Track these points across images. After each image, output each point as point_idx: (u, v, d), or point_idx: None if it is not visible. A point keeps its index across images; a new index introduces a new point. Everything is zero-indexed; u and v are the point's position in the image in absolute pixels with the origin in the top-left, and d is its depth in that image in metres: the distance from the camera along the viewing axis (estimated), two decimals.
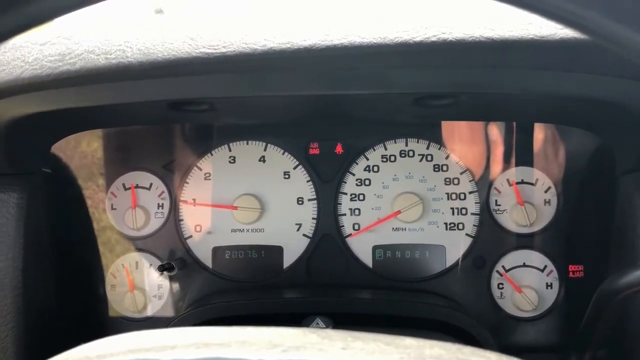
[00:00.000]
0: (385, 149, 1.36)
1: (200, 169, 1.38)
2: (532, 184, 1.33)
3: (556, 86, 0.89)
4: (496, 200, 1.34)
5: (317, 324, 1.05)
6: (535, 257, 1.33)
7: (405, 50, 0.80)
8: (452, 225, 1.34)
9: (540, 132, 1.33)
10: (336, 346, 0.58)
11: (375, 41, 0.80)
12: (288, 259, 1.37)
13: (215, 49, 0.83)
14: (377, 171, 1.36)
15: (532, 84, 0.89)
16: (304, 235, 1.37)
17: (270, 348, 0.57)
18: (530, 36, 0.80)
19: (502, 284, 1.33)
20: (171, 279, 1.38)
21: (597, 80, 0.86)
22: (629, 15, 0.46)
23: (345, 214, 1.37)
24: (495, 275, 1.33)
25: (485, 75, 0.87)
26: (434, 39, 0.79)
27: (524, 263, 1.33)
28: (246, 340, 0.60)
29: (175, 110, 1.06)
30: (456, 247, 1.34)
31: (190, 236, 1.38)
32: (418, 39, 0.80)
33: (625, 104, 0.93)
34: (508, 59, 0.83)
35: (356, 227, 1.36)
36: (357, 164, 1.37)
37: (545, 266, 1.32)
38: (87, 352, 0.60)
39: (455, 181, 1.34)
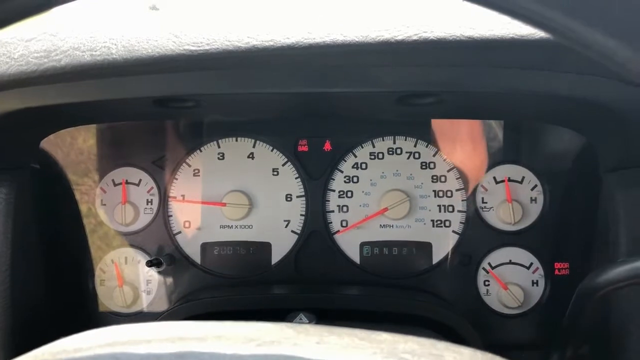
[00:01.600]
0: (373, 147, 1.37)
1: (189, 165, 1.39)
2: (518, 181, 1.34)
3: (537, 85, 0.90)
4: (483, 198, 1.35)
5: (300, 319, 1.06)
6: (522, 255, 1.34)
7: (387, 49, 0.81)
8: (439, 222, 1.35)
9: (527, 130, 1.34)
10: (311, 341, 0.58)
11: (356, 39, 0.80)
12: (276, 255, 1.37)
13: (199, 47, 0.83)
14: (365, 168, 1.37)
15: (513, 83, 0.90)
16: (292, 231, 1.37)
17: (245, 342, 0.58)
18: (511, 35, 0.80)
19: (488, 281, 1.34)
20: (160, 274, 1.38)
21: (579, 80, 0.87)
22: (596, 17, 0.47)
23: (333, 211, 1.37)
24: (481, 272, 1.34)
25: (466, 74, 0.87)
26: (415, 37, 0.80)
27: (510, 260, 1.34)
28: (222, 334, 0.61)
29: (161, 107, 1.07)
30: (443, 244, 1.35)
31: (179, 232, 1.39)
32: (399, 37, 0.80)
33: (607, 104, 0.94)
34: (488, 58, 0.84)
35: (344, 224, 1.37)
36: (345, 161, 1.37)
37: (531, 263, 1.33)
38: (65, 345, 0.61)
39: (443, 179, 1.35)
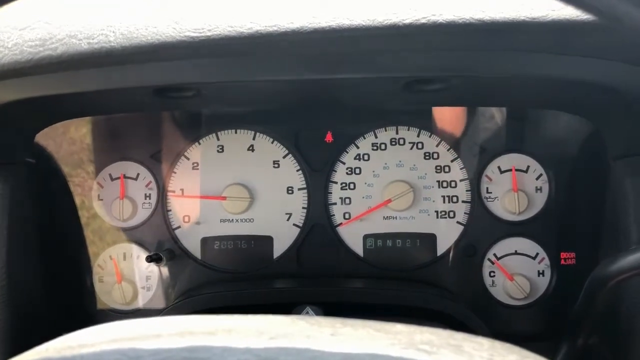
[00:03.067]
0: (376, 137, 1.35)
1: (188, 159, 1.36)
2: (523, 171, 1.32)
3: (548, 69, 0.88)
4: (487, 188, 1.33)
5: (307, 312, 1.04)
6: (527, 245, 1.32)
7: (394, 33, 0.78)
8: (443, 213, 1.33)
9: (531, 119, 1.33)
10: (325, 332, 0.56)
11: (363, 23, 0.78)
12: (278, 249, 1.35)
13: (200, 33, 0.80)
14: (368, 160, 1.35)
15: (524, 67, 0.87)
16: (294, 225, 1.35)
17: (257, 336, 0.56)
18: (522, 18, 0.78)
19: (494, 272, 1.32)
20: (160, 270, 1.36)
21: (590, 64, 0.85)
22: None
23: (335, 203, 1.35)
24: (486, 263, 1.33)
25: (476, 58, 0.85)
26: (423, 21, 0.78)
27: (516, 251, 1.32)
28: (232, 328, 0.59)
29: (161, 97, 1.04)
30: (447, 235, 1.33)
31: (179, 227, 1.36)
32: (407, 21, 0.78)
33: (617, 88, 0.92)
34: (499, 42, 0.81)
35: (347, 216, 1.35)
36: (347, 152, 1.35)
37: (537, 254, 1.32)
38: (70, 341, 0.58)
39: (446, 169, 1.33)
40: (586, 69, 0.87)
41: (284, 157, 1.36)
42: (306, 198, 1.35)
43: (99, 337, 0.58)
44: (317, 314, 1.04)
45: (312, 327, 0.58)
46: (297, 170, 1.35)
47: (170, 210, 1.36)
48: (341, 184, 1.35)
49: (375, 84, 1.03)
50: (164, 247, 1.36)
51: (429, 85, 1.00)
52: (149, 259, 1.30)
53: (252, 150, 1.36)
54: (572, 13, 0.77)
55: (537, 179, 1.32)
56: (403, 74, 0.93)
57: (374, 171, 1.35)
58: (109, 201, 1.36)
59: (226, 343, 0.54)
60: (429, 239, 1.33)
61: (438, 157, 1.34)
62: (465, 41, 0.81)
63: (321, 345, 0.52)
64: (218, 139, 1.36)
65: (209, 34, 0.80)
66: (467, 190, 1.33)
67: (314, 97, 1.22)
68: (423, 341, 0.56)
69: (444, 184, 1.33)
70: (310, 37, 0.79)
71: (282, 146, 1.36)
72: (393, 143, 1.34)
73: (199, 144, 1.36)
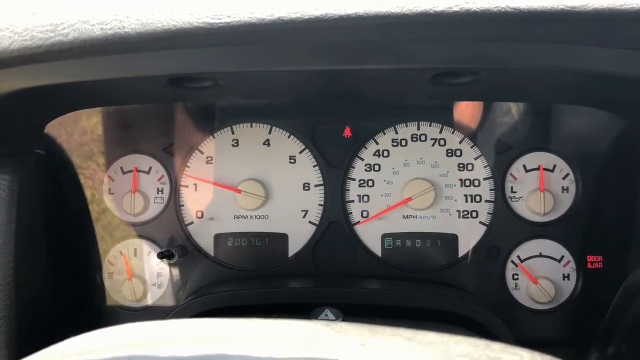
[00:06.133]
0: (396, 133, 1.31)
1: (202, 153, 1.33)
2: (550, 170, 1.27)
3: (586, 62, 0.83)
4: (512, 187, 1.28)
5: (327, 315, 1.00)
6: (552, 247, 1.28)
7: (425, 20, 0.74)
8: (466, 213, 1.29)
9: (559, 115, 1.28)
10: (353, 342, 0.52)
11: (392, 10, 0.73)
12: (293, 247, 1.32)
13: (219, 19, 0.76)
14: (387, 156, 1.31)
15: (561, 60, 0.82)
16: (310, 222, 1.31)
17: (278, 344, 0.52)
18: (561, 6, 0.73)
19: (517, 274, 1.28)
20: (171, 266, 1.33)
21: (631, 57, 0.80)
22: None
23: (353, 201, 1.31)
24: (509, 265, 1.28)
25: (510, 49, 0.80)
26: (456, 8, 0.73)
27: (540, 253, 1.28)
28: (252, 334, 0.54)
29: (176, 87, 1.00)
30: (469, 236, 1.29)
31: (191, 222, 1.33)
32: (439, 8, 0.73)
33: None
34: (535, 32, 0.77)
35: (365, 214, 1.31)
36: (366, 148, 1.31)
37: (563, 256, 1.27)
38: (77, 345, 0.54)
39: (469, 167, 1.29)
40: (627, 62, 0.82)
41: (301, 152, 1.32)
42: (323, 195, 1.31)
43: (109, 342, 0.54)
44: (337, 316, 1.00)
45: (339, 334, 0.54)
46: (314, 166, 1.31)
47: (182, 206, 1.33)
48: (359, 180, 1.31)
49: (401, 76, 0.98)
50: (175, 243, 1.32)
51: (458, 79, 0.95)
52: (161, 256, 1.26)
53: (268, 144, 1.32)
54: (615, 1, 0.72)
55: (563, 178, 1.27)
56: (432, 65, 0.89)
57: (393, 168, 1.30)
58: (119, 195, 1.33)
59: (245, 351, 0.49)
60: (450, 240, 1.29)
61: (461, 155, 1.29)
62: (499, 31, 0.76)
63: (351, 356, 0.48)
64: (233, 133, 1.32)
65: (228, 20, 0.76)
66: (490, 190, 1.28)
67: (334, 90, 1.17)
68: (460, 353, 0.52)
69: (467, 183, 1.29)
70: (335, 24, 0.75)
71: (298, 141, 1.32)
72: (414, 139, 1.30)
73: (214, 137, 1.33)
